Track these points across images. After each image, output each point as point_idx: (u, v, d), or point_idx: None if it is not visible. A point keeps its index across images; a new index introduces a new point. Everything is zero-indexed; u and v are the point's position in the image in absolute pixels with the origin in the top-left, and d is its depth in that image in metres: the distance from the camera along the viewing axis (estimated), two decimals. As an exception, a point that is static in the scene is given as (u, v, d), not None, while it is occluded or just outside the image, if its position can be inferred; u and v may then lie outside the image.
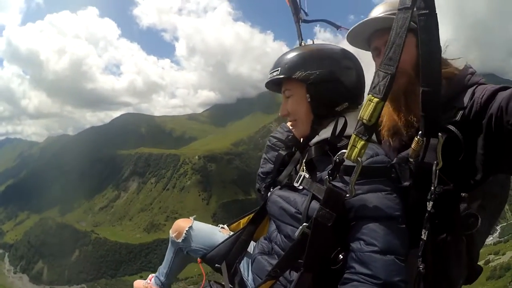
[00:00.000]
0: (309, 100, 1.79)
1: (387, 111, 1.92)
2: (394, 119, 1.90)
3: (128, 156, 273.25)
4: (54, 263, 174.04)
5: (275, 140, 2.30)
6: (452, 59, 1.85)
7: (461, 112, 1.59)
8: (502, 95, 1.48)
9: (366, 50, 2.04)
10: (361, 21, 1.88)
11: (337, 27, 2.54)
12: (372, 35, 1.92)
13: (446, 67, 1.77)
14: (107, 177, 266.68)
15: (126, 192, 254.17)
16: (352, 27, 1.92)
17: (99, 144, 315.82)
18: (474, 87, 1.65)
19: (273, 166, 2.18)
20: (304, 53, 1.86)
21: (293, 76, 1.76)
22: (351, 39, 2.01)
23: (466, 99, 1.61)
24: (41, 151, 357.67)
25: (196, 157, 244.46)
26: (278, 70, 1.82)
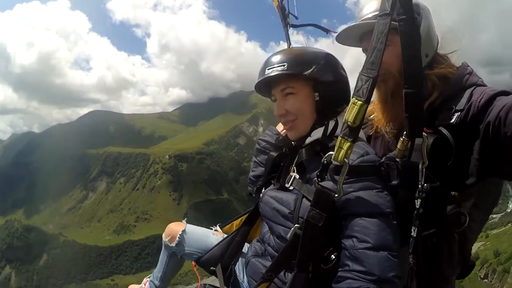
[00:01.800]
0: (317, 99, 1.79)
1: (376, 111, 1.98)
2: (382, 120, 1.95)
3: (96, 155, 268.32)
4: (21, 268, 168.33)
5: (265, 143, 2.29)
6: (449, 53, 1.87)
7: (457, 114, 1.61)
8: (501, 102, 1.50)
9: (357, 47, 2.06)
10: (352, 25, 1.91)
11: (326, 31, 2.56)
12: (363, 35, 1.94)
13: (441, 67, 1.80)
14: (74, 177, 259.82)
15: (94, 193, 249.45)
16: (343, 29, 1.96)
17: (66, 143, 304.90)
18: (472, 88, 1.66)
19: (264, 169, 2.20)
20: (310, 52, 1.87)
21: (303, 73, 1.74)
22: (342, 40, 2.04)
23: (463, 101, 1.62)
24: (5, 149, 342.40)
25: (167, 156, 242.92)
26: (283, 65, 1.76)
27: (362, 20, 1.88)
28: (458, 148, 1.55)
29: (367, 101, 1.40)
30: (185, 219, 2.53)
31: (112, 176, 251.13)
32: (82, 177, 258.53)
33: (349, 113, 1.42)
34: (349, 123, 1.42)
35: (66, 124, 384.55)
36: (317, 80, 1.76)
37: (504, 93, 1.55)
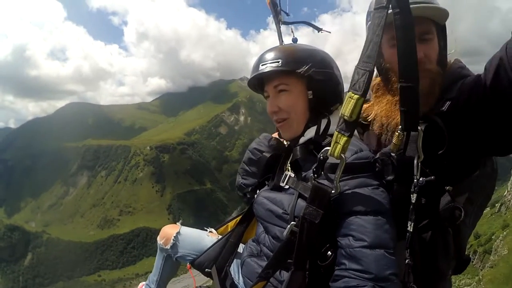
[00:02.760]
0: (310, 96, 1.79)
1: (383, 107, 1.95)
2: (388, 116, 1.92)
3: (75, 149, 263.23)
4: (6, 269, 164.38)
5: (259, 153, 2.24)
6: (448, 53, 1.88)
7: (448, 103, 1.64)
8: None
9: None
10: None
11: (318, 30, 2.55)
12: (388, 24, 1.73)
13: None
14: (53, 172, 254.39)
15: (75, 188, 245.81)
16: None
17: (43, 137, 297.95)
18: (463, 79, 1.71)
19: (256, 180, 2.21)
20: (305, 49, 1.85)
21: (298, 70, 1.73)
22: None
23: (454, 90, 1.68)
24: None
25: (148, 147, 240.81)
26: (278, 62, 1.76)
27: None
28: (451, 135, 1.57)
29: (364, 95, 1.38)
30: (180, 221, 2.53)
31: (92, 169, 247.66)
32: (62, 172, 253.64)
33: (346, 107, 1.40)
34: (345, 117, 1.40)
35: (43, 118, 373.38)
36: (311, 78, 1.75)
37: None
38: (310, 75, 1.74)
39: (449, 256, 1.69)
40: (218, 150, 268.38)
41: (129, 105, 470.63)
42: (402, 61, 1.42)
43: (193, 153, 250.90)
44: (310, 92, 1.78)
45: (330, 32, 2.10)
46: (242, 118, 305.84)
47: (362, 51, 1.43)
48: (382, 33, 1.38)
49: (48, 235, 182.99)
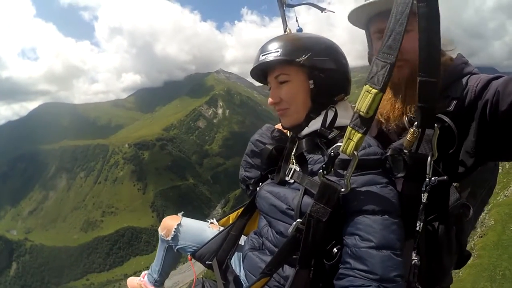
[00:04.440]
0: (311, 86, 1.74)
1: (385, 96, 1.81)
2: (389, 107, 1.85)
3: (51, 151, 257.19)
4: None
5: (263, 145, 2.18)
6: (449, 50, 1.83)
7: (454, 102, 1.59)
8: (497, 81, 1.49)
9: (363, 29, 1.97)
10: (366, 2, 1.79)
11: (322, 10, 2.45)
12: (374, 16, 1.83)
13: (443, 56, 1.76)
14: (31, 177, 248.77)
15: (55, 191, 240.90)
16: (357, 7, 1.84)
17: (17, 141, 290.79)
18: (468, 76, 1.66)
19: (260, 173, 2.18)
20: (307, 38, 1.82)
21: (297, 59, 1.68)
22: (353, 19, 1.94)
23: (460, 89, 1.62)
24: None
25: (126, 145, 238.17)
26: (277, 52, 1.71)
27: None
28: (459, 135, 1.53)
29: (383, 90, 1.30)
30: (181, 212, 2.51)
31: (71, 171, 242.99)
32: (40, 176, 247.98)
33: (362, 102, 1.33)
34: (361, 113, 1.33)
35: (15, 121, 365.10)
36: (312, 67, 1.71)
37: (499, 77, 1.54)
38: (310, 64, 1.70)
39: (452, 252, 1.66)
40: (198, 144, 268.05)
41: (104, 103, 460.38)
42: (424, 54, 1.34)
43: (173, 149, 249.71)
44: (312, 81, 1.74)
45: (334, 12, 2.06)
46: (220, 111, 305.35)
47: (383, 41, 1.35)
48: (407, 22, 1.29)
49: (31, 242, 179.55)
